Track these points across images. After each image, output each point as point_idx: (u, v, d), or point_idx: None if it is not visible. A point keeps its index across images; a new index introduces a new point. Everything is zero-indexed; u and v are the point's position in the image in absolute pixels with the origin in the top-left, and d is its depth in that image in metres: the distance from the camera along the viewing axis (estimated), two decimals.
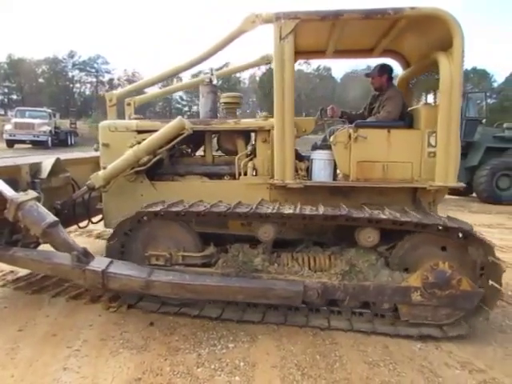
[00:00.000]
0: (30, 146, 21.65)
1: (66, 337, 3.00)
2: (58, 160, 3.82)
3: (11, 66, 48.55)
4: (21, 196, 3.05)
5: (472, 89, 32.38)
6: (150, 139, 3.58)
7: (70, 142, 25.34)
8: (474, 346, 3.02)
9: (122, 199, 3.78)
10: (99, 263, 3.02)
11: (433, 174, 3.39)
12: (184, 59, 4.02)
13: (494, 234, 5.98)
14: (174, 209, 3.18)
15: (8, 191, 3.09)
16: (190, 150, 4.49)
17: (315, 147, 3.80)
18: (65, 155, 4.69)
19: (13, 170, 3.50)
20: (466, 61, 3.29)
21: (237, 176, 3.78)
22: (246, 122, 3.85)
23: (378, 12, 3.22)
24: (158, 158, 3.69)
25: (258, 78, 53.16)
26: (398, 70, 4.51)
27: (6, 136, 21.11)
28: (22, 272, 4.15)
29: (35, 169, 3.67)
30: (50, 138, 21.71)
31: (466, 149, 10.07)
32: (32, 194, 3.16)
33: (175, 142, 3.63)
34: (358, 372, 2.65)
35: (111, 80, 56.40)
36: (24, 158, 4.44)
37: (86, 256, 3.03)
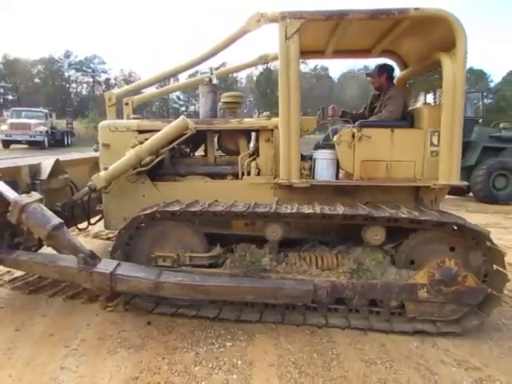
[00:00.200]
0: (26, 146, 21.59)
1: (64, 336, 2.99)
2: (57, 161, 3.77)
3: (7, 66, 48.37)
4: (24, 198, 2.99)
5: (469, 89, 32.44)
6: (153, 139, 3.54)
7: (66, 142, 25.31)
8: (470, 344, 3.04)
9: (122, 200, 3.75)
10: (107, 265, 2.98)
11: (435, 173, 3.44)
12: (186, 58, 4.01)
13: (491, 233, 6.07)
14: (192, 209, 3.14)
15: (10, 193, 3.04)
16: (188, 150, 4.46)
17: (318, 146, 3.81)
18: (61, 156, 4.66)
19: (12, 172, 3.43)
20: None
21: (240, 176, 3.77)
22: (249, 122, 3.85)
23: (383, 12, 3.25)
24: (160, 158, 3.65)
25: (255, 78, 53.25)
26: (397, 70, 4.53)
27: (1, 136, 21.05)
28: (19, 272, 4.13)
29: (34, 170, 3.61)
30: (46, 139, 21.68)
31: (463, 148, 10.08)
32: (35, 195, 3.10)
33: (178, 141, 3.60)
34: (354, 370, 2.67)
35: (108, 80, 56.35)
36: (24, 159, 4.37)
37: (92, 258, 2.98)
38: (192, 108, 57.25)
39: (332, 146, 3.64)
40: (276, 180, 3.57)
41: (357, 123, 3.59)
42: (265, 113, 3.90)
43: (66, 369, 2.60)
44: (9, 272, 4.21)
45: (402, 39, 3.95)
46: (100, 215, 4.42)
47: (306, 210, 3.12)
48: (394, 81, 4.25)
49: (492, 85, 46.41)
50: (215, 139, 4.24)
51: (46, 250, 3.46)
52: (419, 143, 3.50)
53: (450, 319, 3.16)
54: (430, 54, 3.67)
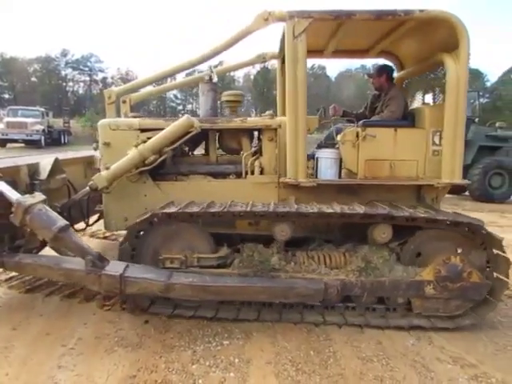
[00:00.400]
0: (22, 145, 21.49)
1: (61, 335, 2.99)
2: (56, 160, 3.68)
3: (3, 64, 48.10)
4: (28, 199, 2.89)
5: None
6: (157, 138, 3.49)
7: (63, 141, 25.20)
8: (465, 341, 3.06)
9: (123, 200, 3.68)
10: (115, 267, 2.91)
11: (436, 172, 3.50)
12: (190, 56, 3.95)
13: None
14: (212, 209, 3.12)
15: (12, 194, 2.93)
16: (187, 149, 4.42)
17: (321, 146, 3.81)
18: (57, 155, 4.59)
19: (12, 171, 3.31)
20: None
21: (243, 175, 3.76)
22: (253, 121, 3.83)
23: (389, 13, 3.28)
24: (164, 157, 3.58)
25: (252, 77, 53.21)
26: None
27: None
28: None
29: (33, 169, 3.51)
30: (43, 137, 21.56)
31: None
32: (39, 196, 3.00)
33: (182, 140, 3.55)
34: (351, 367, 2.68)
35: (105, 79, 56.16)
36: (22, 158, 4.27)
37: (100, 260, 2.91)
38: (189, 107, 57.19)
39: (334, 146, 3.66)
40: (283, 179, 3.56)
41: (360, 123, 3.63)
42: (267, 112, 3.89)
43: (63, 368, 2.60)
44: (5, 271, 4.20)
45: (401, 40, 3.99)
46: (97, 216, 4.41)
47: (328, 209, 3.13)
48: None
49: (488, 84, 46.64)
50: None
51: (49, 251, 3.46)
52: (421, 142, 3.56)
53: (448, 315, 3.21)
54: (430, 55, 3.72)
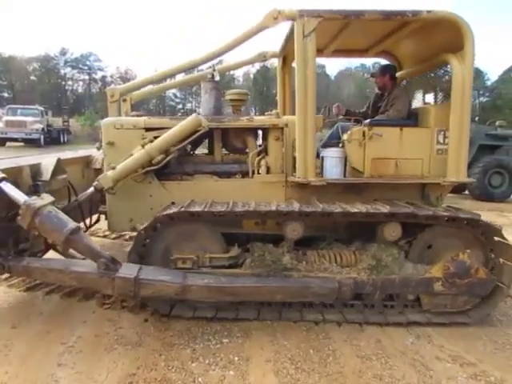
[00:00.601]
0: (21, 144, 21.45)
1: (60, 334, 2.99)
2: (59, 160, 3.58)
3: (2, 63, 47.99)
4: (36, 201, 2.79)
5: None
6: (164, 137, 3.45)
7: (62, 140, 25.17)
8: (464, 340, 3.07)
9: (128, 200, 3.64)
10: (129, 270, 2.85)
11: (440, 170, 3.56)
12: (187, 57, 3.92)
13: None
14: (238, 209, 3.11)
15: (20, 196, 2.82)
16: (189, 149, 4.34)
17: (326, 145, 3.81)
18: (56, 155, 4.52)
19: (15, 172, 3.16)
20: None
21: (250, 174, 3.74)
22: (260, 120, 3.83)
23: (398, 14, 3.32)
24: (171, 156, 3.53)
25: (251, 76, 53.13)
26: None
27: None
28: None
29: (35, 170, 3.41)
30: (42, 136, 21.53)
31: None
32: (48, 197, 2.90)
33: (190, 139, 3.53)
34: (350, 365, 2.69)
35: (104, 77, 56.06)
36: (24, 158, 4.15)
37: (113, 263, 2.85)
38: (189, 105, 57.12)
39: (339, 144, 3.69)
40: (292, 178, 3.57)
41: (367, 122, 3.67)
42: (274, 110, 3.88)
43: (62, 365, 2.61)
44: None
45: (402, 40, 4.02)
46: (97, 217, 4.38)
47: (353, 209, 3.14)
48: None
49: (488, 83, 46.59)
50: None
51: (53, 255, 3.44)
52: (426, 141, 3.61)
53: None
54: (432, 55, 3.77)
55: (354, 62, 56.14)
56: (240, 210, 3.10)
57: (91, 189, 3.45)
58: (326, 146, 3.82)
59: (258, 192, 3.63)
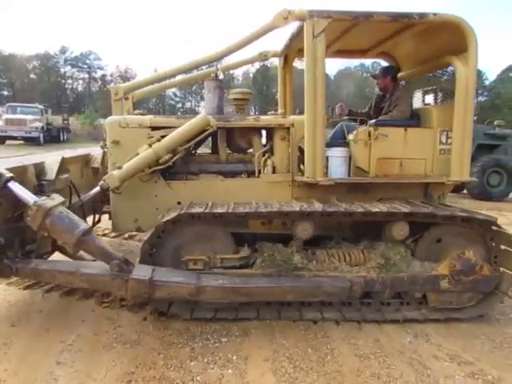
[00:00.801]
0: (21, 142, 21.43)
1: (60, 332, 3.00)
2: (63, 159, 3.51)
3: (1, 61, 47.92)
4: (47, 201, 2.72)
5: None
6: (172, 136, 3.42)
7: (62, 139, 25.15)
8: (462, 339, 3.08)
9: (133, 200, 3.59)
10: (142, 271, 2.81)
11: (443, 170, 3.64)
12: (187, 57, 3.93)
13: None
14: (263, 210, 3.11)
15: (29, 196, 2.74)
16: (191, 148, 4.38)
17: (330, 144, 3.82)
18: (56, 154, 4.50)
19: (19, 171, 3.03)
20: None
21: (256, 174, 3.74)
22: (266, 119, 3.83)
23: (405, 16, 3.38)
24: (178, 156, 3.50)
25: (251, 75, 53.11)
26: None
27: None
28: None
29: (39, 169, 3.32)
30: (41, 135, 21.48)
31: None
32: (58, 198, 2.83)
33: (198, 139, 3.51)
34: (349, 364, 2.70)
35: (104, 76, 56.02)
36: (28, 157, 4.03)
37: (126, 264, 2.80)
38: (188, 105, 57.09)
39: (343, 144, 3.72)
40: (299, 178, 3.57)
41: (372, 122, 3.71)
42: (280, 110, 3.89)
43: (61, 364, 2.61)
44: None
45: (403, 42, 4.06)
46: (98, 217, 4.37)
47: (374, 208, 3.17)
48: None
49: (487, 83, 46.59)
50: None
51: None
52: (429, 142, 3.68)
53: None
54: (434, 57, 3.85)
55: (353, 62, 56.36)
56: (264, 211, 3.10)
57: (96, 188, 3.37)
58: (329, 145, 3.83)
59: (264, 192, 3.64)
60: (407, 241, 3.38)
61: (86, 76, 56.18)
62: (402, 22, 3.52)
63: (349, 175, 3.70)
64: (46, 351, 2.75)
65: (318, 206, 3.18)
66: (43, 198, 2.80)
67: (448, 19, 3.37)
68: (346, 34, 3.88)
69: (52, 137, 23.38)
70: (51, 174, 3.35)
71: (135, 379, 2.47)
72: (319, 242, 3.55)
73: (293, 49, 4.58)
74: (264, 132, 3.99)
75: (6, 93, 49.28)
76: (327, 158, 3.69)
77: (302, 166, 3.76)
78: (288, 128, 3.71)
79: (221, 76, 4.17)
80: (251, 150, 4.03)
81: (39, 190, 3.10)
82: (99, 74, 56.36)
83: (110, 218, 3.82)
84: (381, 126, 3.65)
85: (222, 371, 2.59)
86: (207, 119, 3.45)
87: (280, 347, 2.89)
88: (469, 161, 3.59)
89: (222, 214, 3.07)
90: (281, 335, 3.05)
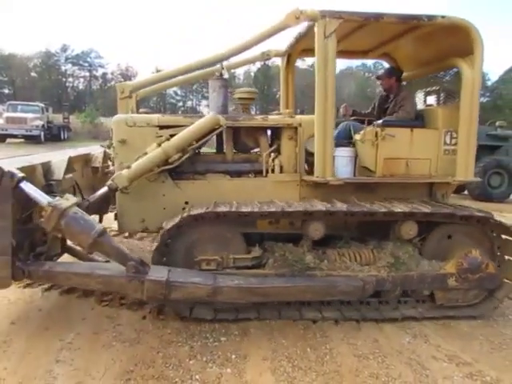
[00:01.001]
0: (22, 140, 21.42)
1: (59, 330, 3.01)
2: (70, 159, 3.48)
3: (2, 60, 47.90)
4: (62, 202, 2.67)
5: None
6: (182, 135, 3.39)
7: (62, 137, 25.13)
8: (461, 339, 3.09)
9: (140, 200, 3.56)
10: (159, 272, 2.79)
11: (447, 170, 3.70)
12: (187, 57, 3.92)
13: None
14: (289, 209, 3.11)
15: (42, 196, 2.69)
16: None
17: (336, 144, 3.83)
18: (56, 153, 4.41)
19: (28, 171, 2.94)
20: None
21: (264, 173, 3.73)
22: (274, 119, 3.83)
23: (414, 18, 3.43)
24: (187, 155, 3.47)
25: (252, 74, 53.07)
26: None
27: None
28: None
29: (46, 168, 3.27)
30: (42, 133, 21.44)
31: None
32: (72, 198, 2.78)
33: (208, 138, 3.51)
34: (347, 364, 2.70)
35: (104, 74, 56.03)
36: (34, 156, 3.91)
37: (142, 265, 2.77)
38: (189, 103, 57.08)
39: (349, 144, 3.75)
40: (308, 177, 3.58)
41: (379, 122, 3.73)
42: (287, 110, 3.88)
43: (60, 362, 2.62)
44: None
45: (406, 43, 4.08)
46: (98, 217, 4.36)
47: (396, 208, 3.19)
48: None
49: (489, 83, 46.52)
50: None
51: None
52: (434, 142, 3.73)
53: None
54: (436, 59, 3.90)
55: (354, 62, 56.12)
56: (291, 211, 3.10)
57: (104, 188, 3.31)
58: (336, 145, 3.83)
59: (272, 191, 3.64)
60: (414, 240, 3.42)
61: (87, 74, 56.17)
62: (411, 24, 3.55)
63: (354, 175, 3.71)
64: (46, 349, 2.75)
65: (340, 206, 3.20)
66: (57, 198, 2.75)
67: (456, 22, 3.41)
68: (351, 34, 3.91)
69: (52, 135, 23.35)
70: (59, 173, 3.30)
71: (134, 377, 2.48)
72: (326, 242, 3.53)
73: (297, 49, 4.59)
74: (269, 132, 3.99)
75: (6, 91, 49.21)
76: (334, 157, 3.67)
77: (305, 166, 3.76)
78: (296, 128, 3.71)
79: (226, 75, 4.13)
80: (256, 150, 4.03)
81: (48, 190, 3.03)
82: (100, 72, 56.38)
83: (115, 219, 3.76)
84: (388, 126, 3.67)
85: (221, 370, 2.59)
86: (217, 118, 3.44)
87: (279, 346, 2.89)
88: (473, 161, 3.65)
89: (246, 213, 3.09)
90: (280, 335, 3.06)
